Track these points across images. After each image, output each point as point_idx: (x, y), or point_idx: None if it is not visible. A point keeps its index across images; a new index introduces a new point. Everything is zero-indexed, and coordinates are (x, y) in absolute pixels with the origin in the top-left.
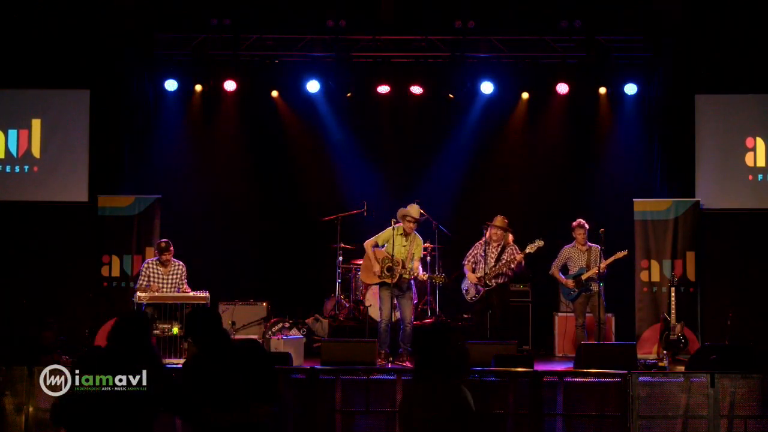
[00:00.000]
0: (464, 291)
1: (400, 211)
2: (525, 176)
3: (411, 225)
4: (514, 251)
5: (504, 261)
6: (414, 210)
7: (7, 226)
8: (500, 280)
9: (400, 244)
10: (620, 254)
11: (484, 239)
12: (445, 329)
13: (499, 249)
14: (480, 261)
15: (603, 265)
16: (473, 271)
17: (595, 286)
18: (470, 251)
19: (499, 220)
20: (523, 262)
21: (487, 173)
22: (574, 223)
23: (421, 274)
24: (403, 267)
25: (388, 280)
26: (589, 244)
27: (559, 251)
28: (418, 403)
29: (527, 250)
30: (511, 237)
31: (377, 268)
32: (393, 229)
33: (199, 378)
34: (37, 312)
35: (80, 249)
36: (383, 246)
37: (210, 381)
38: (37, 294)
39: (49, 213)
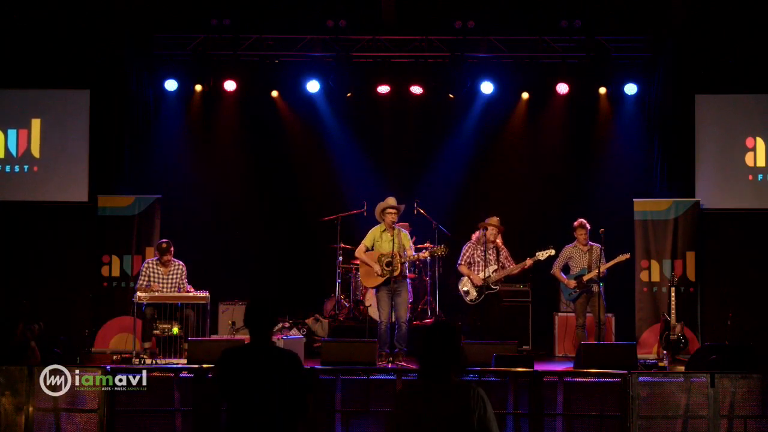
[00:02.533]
0: (463, 293)
1: (378, 207)
2: (525, 176)
3: (393, 216)
4: (508, 254)
5: (506, 267)
6: (391, 199)
7: (7, 226)
8: (499, 285)
9: (387, 240)
10: (622, 257)
11: (477, 239)
12: (449, 327)
13: (495, 251)
14: (477, 263)
15: (604, 267)
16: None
17: (595, 287)
18: (463, 252)
19: (495, 220)
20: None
21: (487, 173)
22: (576, 223)
23: (421, 254)
24: (401, 257)
25: (396, 273)
26: (591, 243)
27: (560, 251)
28: (425, 404)
29: (538, 257)
30: (500, 238)
31: (378, 267)
32: (376, 228)
33: (233, 368)
34: (38, 312)
35: (80, 249)
36: (372, 248)
37: (243, 374)
38: (38, 294)
39: (49, 213)
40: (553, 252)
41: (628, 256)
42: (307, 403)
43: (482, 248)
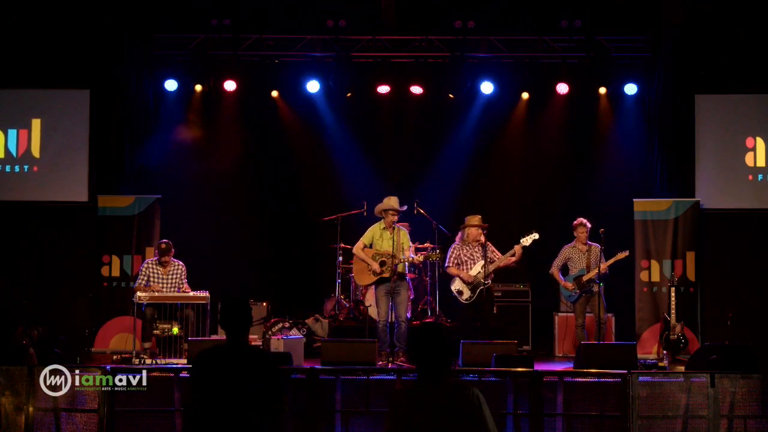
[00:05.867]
0: (456, 293)
1: (379, 207)
2: (525, 176)
3: (393, 217)
4: (494, 248)
5: (494, 260)
6: (394, 202)
7: (7, 226)
8: (490, 279)
9: (387, 239)
10: (621, 255)
11: (461, 240)
12: (437, 327)
13: (480, 248)
14: (464, 262)
15: (603, 266)
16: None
17: (595, 287)
18: (450, 253)
19: (477, 219)
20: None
21: (486, 173)
22: (576, 222)
23: (415, 257)
24: (395, 258)
25: (386, 275)
26: (590, 243)
27: (560, 250)
28: (422, 405)
29: (523, 243)
30: (483, 236)
31: (375, 265)
32: (376, 226)
33: (207, 368)
34: (38, 312)
35: (80, 249)
36: (370, 245)
37: (216, 373)
38: (38, 294)
39: (49, 213)
40: (536, 236)
41: (626, 253)
42: (282, 404)
43: (467, 247)
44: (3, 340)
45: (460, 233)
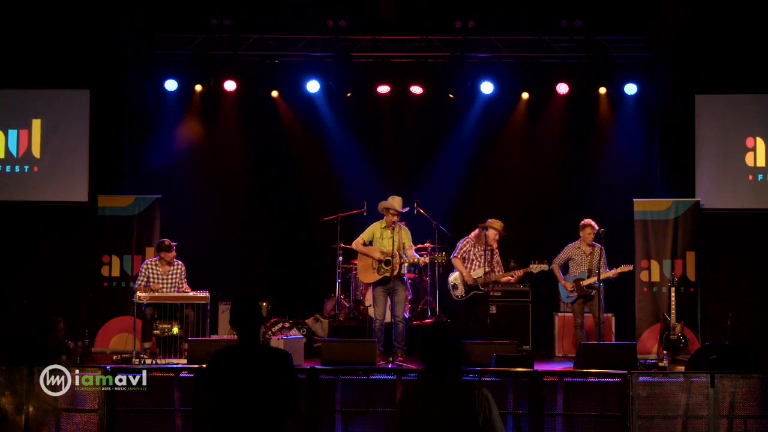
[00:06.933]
0: (451, 287)
1: (382, 204)
2: (525, 176)
3: (395, 218)
4: (499, 259)
5: (495, 270)
6: (397, 203)
7: (7, 226)
8: (489, 287)
9: (387, 237)
10: (625, 268)
11: (476, 237)
12: (450, 327)
13: (489, 252)
14: (472, 260)
15: (604, 276)
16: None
17: (594, 291)
18: (460, 246)
19: (499, 224)
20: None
21: (487, 173)
22: (584, 222)
23: (421, 259)
24: (399, 258)
25: (388, 273)
26: (594, 244)
27: (564, 248)
28: (430, 405)
29: (531, 269)
30: (496, 242)
31: (378, 254)
32: (377, 224)
33: (223, 369)
34: (38, 312)
35: (80, 249)
36: (370, 243)
37: (233, 374)
38: (38, 294)
39: (49, 213)
40: (546, 267)
41: (630, 267)
42: (298, 402)
43: (480, 247)
44: (37, 339)
45: (477, 230)
